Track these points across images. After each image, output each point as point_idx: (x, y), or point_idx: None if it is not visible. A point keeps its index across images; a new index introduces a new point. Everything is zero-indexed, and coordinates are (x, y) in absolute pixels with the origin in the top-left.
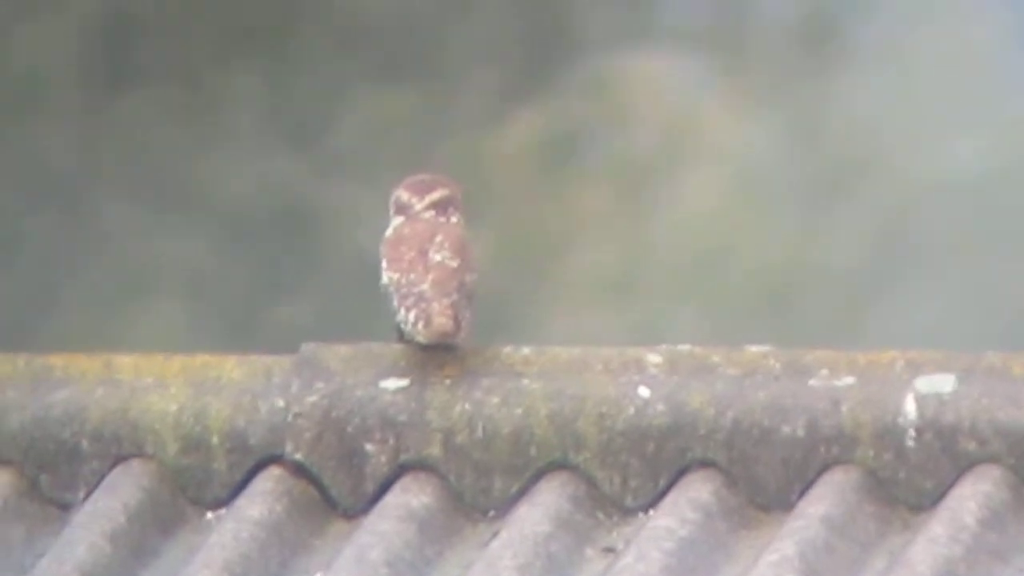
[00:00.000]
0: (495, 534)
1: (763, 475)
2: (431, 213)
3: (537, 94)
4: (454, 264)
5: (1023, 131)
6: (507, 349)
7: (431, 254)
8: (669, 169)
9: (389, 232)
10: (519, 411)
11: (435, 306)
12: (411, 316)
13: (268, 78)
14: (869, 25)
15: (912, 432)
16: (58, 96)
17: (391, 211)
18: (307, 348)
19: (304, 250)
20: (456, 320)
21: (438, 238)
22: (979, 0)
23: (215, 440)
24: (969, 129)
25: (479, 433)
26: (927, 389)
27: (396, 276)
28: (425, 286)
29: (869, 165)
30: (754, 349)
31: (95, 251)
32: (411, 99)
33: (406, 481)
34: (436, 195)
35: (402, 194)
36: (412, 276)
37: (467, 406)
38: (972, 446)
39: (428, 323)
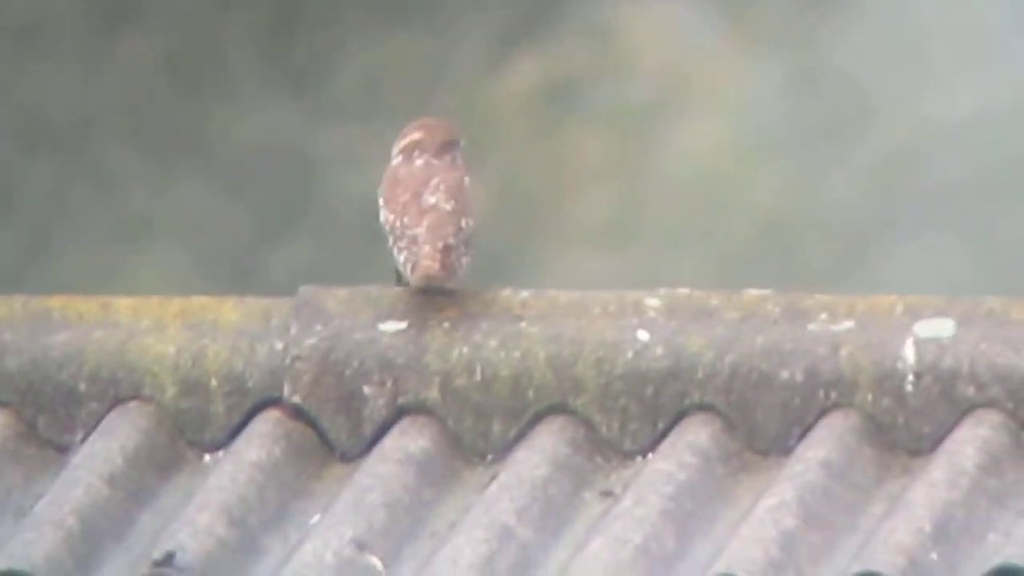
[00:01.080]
0: (493, 477)
1: (762, 419)
2: (399, 159)
3: (537, 40)
4: (448, 207)
5: (1023, 77)
6: (506, 292)
7: (425, 196)
8: (669, 115)
9: (388, 172)
10: (517, 354)
11: (426, 249)
12: (402, 258)
13: (267, 24)
14: None
15: (911, 377)
16: (57, 43)
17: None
18: (305, 291)
19: (303, 195)
20: (446, 265)
21: (434, 181)
22: None
23: (213, 383)
24: (969, 75)
25: (477, 376)
26: (926, 334)
27: (391, 218)
28: (419, 230)
29: (869, 111)
30: (753, 293)
31: (94, 197)
32: (410, 45)
33: (404, 424)
34: (404, 141)
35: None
36: (406, 219)
37: (465, 349)
38: (971, 391)
39: (416, 267)
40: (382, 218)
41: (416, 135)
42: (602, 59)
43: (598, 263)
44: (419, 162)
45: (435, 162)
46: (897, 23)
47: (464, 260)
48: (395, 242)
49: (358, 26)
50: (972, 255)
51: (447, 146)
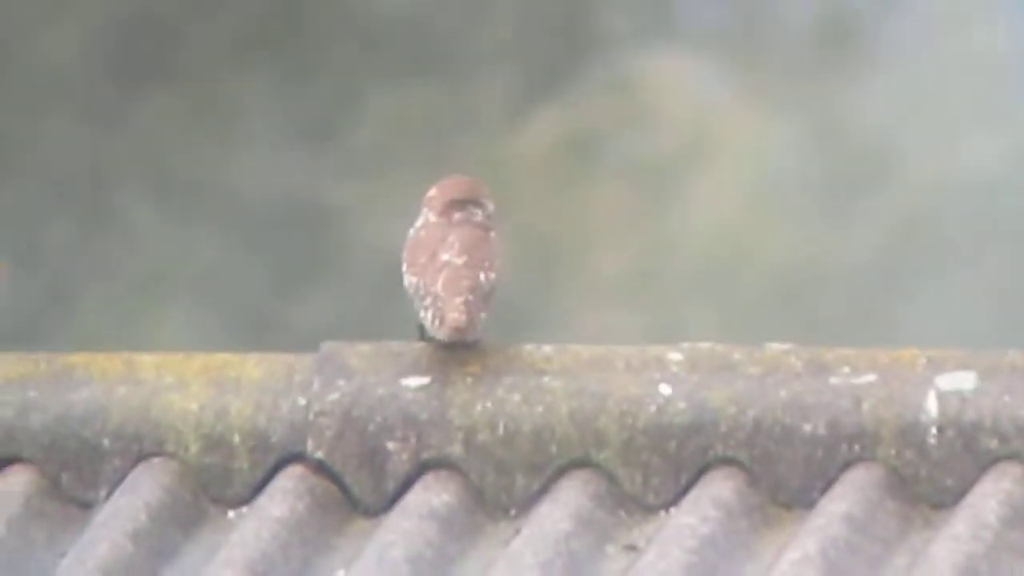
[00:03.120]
0: (517, 532)
1: (785, 473)
2: (420, 219)
3: (556, 93)
4: (459, 262)
5: None
6: (528, 347)
7: (440, 255)
8: (688, 168)
9: (411, 234)
10: (540, 409)
11: (449, 303)
12: (429, 316)
13: (285, 77)
14: (886, 25)
15: (934, 430)
16: (76, 97)
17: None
18: (328, 346)
19: (324, 248)
20: (470, 317)
21: (450, 239)
22: (994, 1)
23: (236, 439)
24: (986, 128)
25: (500, 431)
26: (949, 387)
27: (414, 280)
28: (437, 287)
29: (886, 164)
30: (775, 347)
31: (115, 252)
32: (429, 97)
33: (427, 479)
34: (426, 196)
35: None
36: (427, 279)
37: (488, 404)
38: (994, 444)
39: (443, 321)
40: (405, 283)
41: (432, 192)
42: (622, 113)
43: (619, 316)
44: (434, 221)
45: (448, 220)
46: (914, 77)
47: (482, 315)
48: (419, 303)
49: (378, 79)
50: (992, 308)
51: (453, 205)
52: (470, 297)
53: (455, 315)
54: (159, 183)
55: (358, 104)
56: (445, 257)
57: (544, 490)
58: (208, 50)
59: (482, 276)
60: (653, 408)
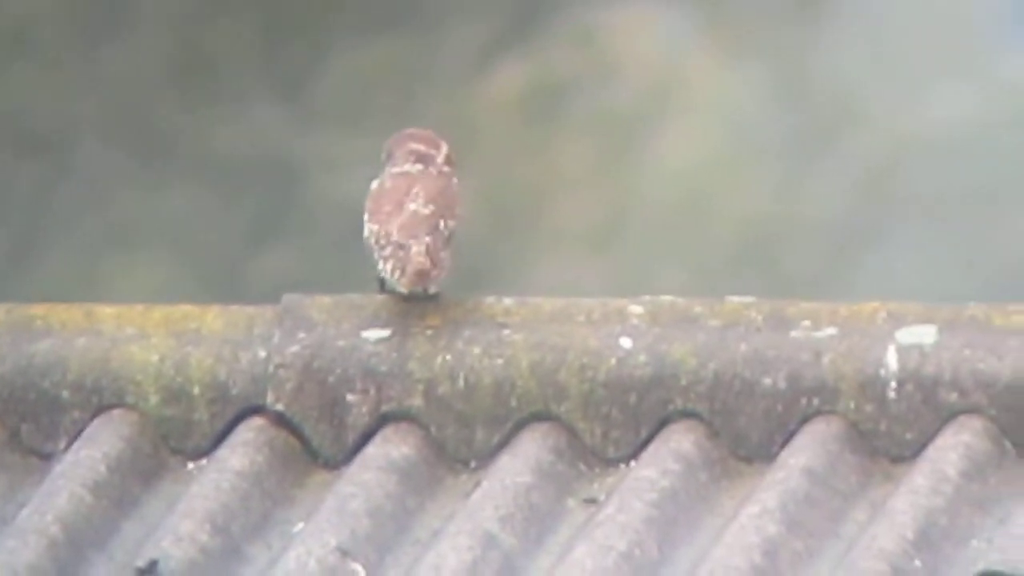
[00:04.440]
0: (476, 485)
1: (745, 426)
2: (383, 172)
3: (521, 45)
4: (425, 211)
5: (1007, 85)
6: (489, 300)
7: (406, 205)
8: (653, 121)
9: (374, 186)
10: (501, 362)
11: (413, 249)
12: (389, 266)
13: (253, 30)
14: None
15: (893, 383)
16: (43, 47)
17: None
18: (289, 299)
19: (288, 201)
20: (432, 260)
21: (415, 189)
22: None
23: (196, 390)
24: (954, 83)
25: (461, 384)
26: (908, 340)
27: (376, 228)
28: (394, 233)
29: (853, 118)
30: (736, 300)
31: (79, 202)
32: (395, 50)
33: (387, 432)
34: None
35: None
36: (389, 228)
37: (449, 357)
38: (953, 397)
39: (406, 268)
40: (366, 232)
41: (389, 143)
42: (587, 66)
43: (582, 269)
44: (396, 172)
45: (409, 171)
46: (880, 31)
47: (443, 255)
48: (379, 252)
49: (344, 32)
50: (955, 262)
51: (412, 155)
52: (428, 239)
53: (420, 259)
54: (124, 136)
55: (324, 57)
56: (412, 207)
57: (504, 443)
58: (176, 3)
59: (441, 223)
60: (613, 361)
